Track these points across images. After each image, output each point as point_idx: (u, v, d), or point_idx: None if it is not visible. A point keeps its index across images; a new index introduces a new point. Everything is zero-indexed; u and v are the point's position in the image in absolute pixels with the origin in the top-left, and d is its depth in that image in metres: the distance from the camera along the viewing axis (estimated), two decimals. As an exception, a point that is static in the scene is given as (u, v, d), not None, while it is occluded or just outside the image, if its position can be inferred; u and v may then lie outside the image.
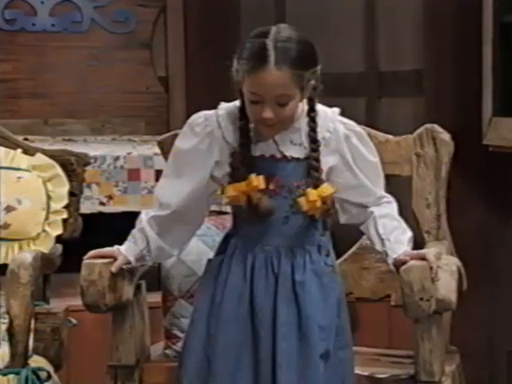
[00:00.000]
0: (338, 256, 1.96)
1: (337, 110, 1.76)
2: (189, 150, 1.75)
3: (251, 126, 1.72)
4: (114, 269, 1.75)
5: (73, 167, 2.21)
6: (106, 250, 1.79)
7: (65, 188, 2.19)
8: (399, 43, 3.06)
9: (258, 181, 1.69)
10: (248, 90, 1.66)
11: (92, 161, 2.71)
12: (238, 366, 1.69)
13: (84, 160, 2.24)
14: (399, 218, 1.77)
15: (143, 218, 1.80)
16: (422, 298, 1.67)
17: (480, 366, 2.80)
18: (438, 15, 2.86)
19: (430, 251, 1.78)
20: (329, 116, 1.74)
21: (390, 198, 1.80)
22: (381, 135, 2.03)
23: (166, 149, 2.04)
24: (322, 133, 1.72)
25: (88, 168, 2.32)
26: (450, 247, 1.98)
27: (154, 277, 2.00)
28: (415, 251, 1.73)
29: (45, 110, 3.35)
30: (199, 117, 1.76)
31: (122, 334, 1.84)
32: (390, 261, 1.73)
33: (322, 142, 1.72)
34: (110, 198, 2.87)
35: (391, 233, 1.73)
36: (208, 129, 1.74)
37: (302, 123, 1.73)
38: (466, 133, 2.67)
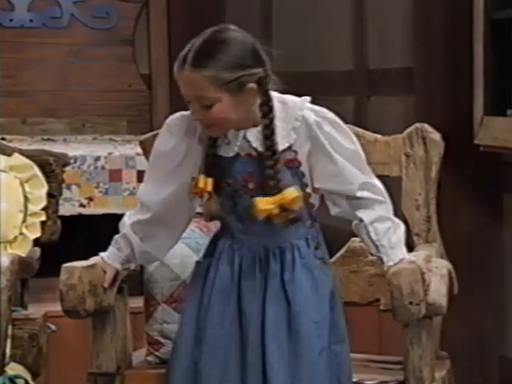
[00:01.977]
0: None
1: (307, 98, 1.76)
2: (167, 151, 1.77)
3: None
4: (106, 284, 1.78)
5: (51, 168, 2.20)
6: (92, 261, 1.79)
7: (43, 189, 2.18)
8: (389, 40, 3.08)
9: (204, 183, 1.72)
10: None
11: (72, 161, 2.70)
12: (226, 368, 1.70)
13: (63, 160, 2.24)
14: (390, 215, 1.76)
15: (126, 222, 1.81)
16: (411, 302, 1.68)
17: (471, 371, 2.81)
18: (428, 12, 2.87)
19: (419, 254, 1.79)
20: (297, 104, 1.74)
21: (378, 193, 1.76)
22: (369, 135, 2.04)
23: (148, 149, 2.04)
24: (291, 123, 1.73)
25: (67, 168, 2.31)
26: (440, 250, 1.98)
27: (136, 281, 1.99)
28: (407, 261, 1.73)
29: (23, 109, 3.34)
30: (176, 118, 1.78)
31: (103, 341, 1.84)
32: (385, 268, 1.74)
33: (292, 132, 1.72)
34: (91, 199, 2.86)
35: (384, 236, 1.74)
36: (185, 129, 1.77)
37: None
38: (457, 132, 2.68)
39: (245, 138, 1.73)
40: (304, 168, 1.74)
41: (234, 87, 1.68)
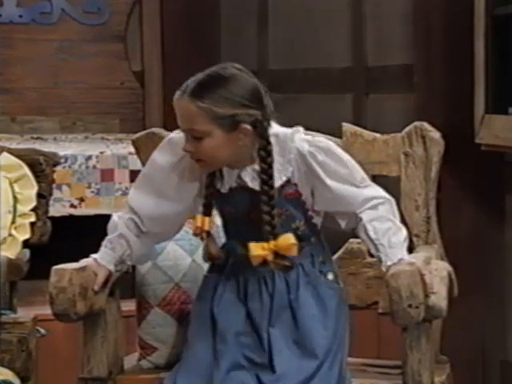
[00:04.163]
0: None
1: (300, 128, 1.80)
2: (165, 167, 1.80)
3: None
4: (96, 287, 1.79)
5: (41, 167, 2.20)
6: (83, 263, 1.80)
7: (33, 190, 2.18)
8: (388, 37, 3.08)
9: (201, 221, 1.76)
10: None
11: (62, 160, 2.70)
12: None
13: (53, 160, 2.24)
14: (391, 217, 1.78)
15: (117, 222, 1.83)
16: (410, 305, 1.68)
17: (472, 376, 2.82)
18: (427, 7, 2.88)
19: (418, 255, 1.80)
20: (288, 137, 1.77)
21: (381, 198, 1.80)
22: (368, 133, 2.04)
23: (141, 148, 2.04)
24: (286, 156, 1.76)
25: (58, 168, 2.31)
26: (440, 251, 1.99)
27: (128, 283, 1.99)
28: (406, 263, 1.74)
29: (12, 107, 3.34)
30: (180, 137, 1.80)
31: (94, 345, 1.84)
32: (383, 268, 1.75)
33: (288, 165, 1.76)
34: (82, 200, 2.86)
35: (384, 236, 1.76)
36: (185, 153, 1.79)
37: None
38: (458, 131, 2.68)
39: (239, 177, 1.77)
40: (305, 196, 1.78)
41: (227, 124, 1.71)
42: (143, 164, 2.06)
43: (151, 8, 3.43)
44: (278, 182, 1.75)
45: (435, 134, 2.01)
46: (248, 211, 1.76)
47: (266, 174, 1.74)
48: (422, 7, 2.90)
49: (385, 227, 1.76)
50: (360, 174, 1.79)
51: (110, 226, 1.84)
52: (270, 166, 1.74)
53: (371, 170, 1.96)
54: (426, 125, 2.01)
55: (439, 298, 1.73)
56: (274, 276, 1.76)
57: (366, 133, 2.04)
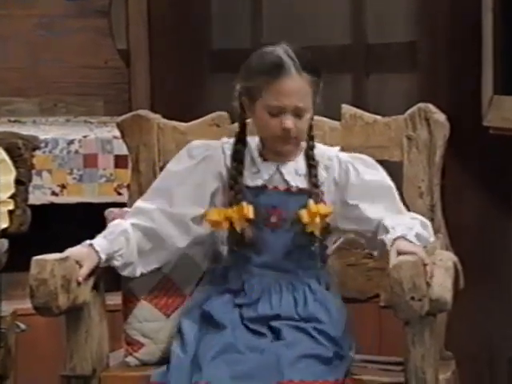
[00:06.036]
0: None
1: (337, 148, 1.89)
2: (180, 171, 1.85)
3: (256, 155, 1.84)
4: (81, 277, 1.80)
5: (20, 152, 2.20)
6: (76, 250, 1.81)
7: (11, 175, 2.18)
8: (389, 12, 3.08)
9: (248, 210, 1.80)
10: (267, 104, 1.79)
11: (42, 145, 2.70)
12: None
13: (33, 144, 2.24)
14: (416, 221, 1.82)
15: (123, 223, 1.86)
16: (413, 298, 1.69)
17: (478, 373, 2.83)
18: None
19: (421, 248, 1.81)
20: (331, 149, 1.89)
21: (417, 216, 1.85)
22: (368, 116, 2.05)
23: (126, 131, 2.04)
24: (323, 162, 1.85)
25: (38, 153, 2.32)
26: (445, 241, 2.00)
27: (113, 276, 2.00)
28: (407, 248, 1.75)
29: (-12, 88, 3.33)
30: (201, 143, 1.88)
31: (77, 340, 1.85)
32: (387, 242, 1.77)
33: (324, 171, 1.84)
34: (63, 187, 2.86)
35: (399, 225, 1.79)
36: (207, 153, 1.86)
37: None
38: (464, 113, 2.69)
39: (278, 169, 1.84)
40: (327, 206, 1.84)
41: (315, 96, 1.81)
42: (129, 148, 2.07)
43: (137, -19, 3.42)
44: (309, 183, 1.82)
45: (440, 116, 2.02)
46: (270, 214, 1.82)
47: (311, 149, 1.82)
48: (426, -20, 2.90)
49: (403, 222, 1.80)
50: (395, 194, 1.86)
51: (113, 223, 1.86)
52: (313, 138, 1.82)
53: (372, 154, 1.97)
54: (430, 106, 2.02)
55: (444, 289, 1.74)
56: (282, 287, 1.82)
57: (366, 115, 2.04)
